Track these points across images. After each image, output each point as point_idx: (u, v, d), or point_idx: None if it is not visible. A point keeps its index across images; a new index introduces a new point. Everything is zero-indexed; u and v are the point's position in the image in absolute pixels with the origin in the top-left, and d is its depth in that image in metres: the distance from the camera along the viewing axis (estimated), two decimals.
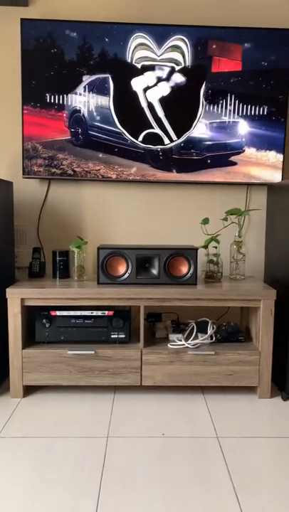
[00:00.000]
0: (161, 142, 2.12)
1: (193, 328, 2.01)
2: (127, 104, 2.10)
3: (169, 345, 1.91)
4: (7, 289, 1.82)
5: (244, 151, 2.14)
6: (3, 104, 2.19)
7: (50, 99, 2.09)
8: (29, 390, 1.92)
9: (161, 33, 2.06)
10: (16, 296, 1.82)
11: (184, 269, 1.94)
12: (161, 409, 1.78)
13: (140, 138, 2.12)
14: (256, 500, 1.24)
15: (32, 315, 1.93)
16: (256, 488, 1.30)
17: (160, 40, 2.07)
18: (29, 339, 1.94)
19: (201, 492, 1.27)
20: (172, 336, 1.97)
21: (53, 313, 1.90)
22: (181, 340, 1.92)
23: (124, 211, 2.28)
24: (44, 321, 1.89)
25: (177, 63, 2.08)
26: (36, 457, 1.44)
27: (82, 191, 2.26)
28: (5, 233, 1.99)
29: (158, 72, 2.09)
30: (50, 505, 1.21)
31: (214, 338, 1.96)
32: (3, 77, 2.18)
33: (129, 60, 2.08)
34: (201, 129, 2.12)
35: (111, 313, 1.92)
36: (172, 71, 2.08)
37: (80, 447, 1.50)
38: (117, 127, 2.11)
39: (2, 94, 2.19)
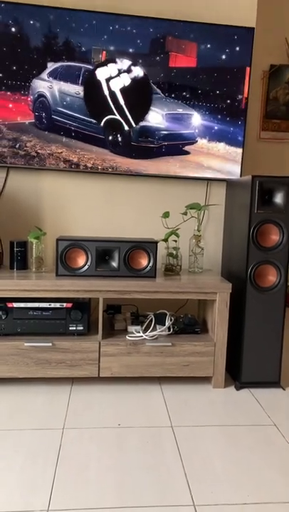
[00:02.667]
0: (121, 128, 2.14)
1: (151, 320, 2.04)
2: (91, 92, 2.11)
3: (127, 336, 1.93)
4: None
5: (197, 141, 2.20)
6: None
7: (15, 82, 2.06)
8: None
9: (124, 24, 2.05)
10: None
11: (144, 262, 1.96)
12: (118, 400, 1.80)
13: (102, 123, 2.13)
14: (207, 486, 1.29)
15: None
16: (207, 474, 1.35)
17: (122, 32, 2.06)
18: None
19: (153, 479, 1.31)
20: (131, 328, 1.99)
21: (9, 304, 1.86)
22: (139, 332, 1.95)
23: (85, 202, 2.26)
24: (0, 313, 1.85)
25: (138, 55, 2.08)
26: None
27: (41, 180, 2.22)
28: None
29: (120, 64, 2.09)
30: (4, 497, 1.20)
31: (172, 330, 2.00)
32: None
33: (93, 50, 2.05)
34: (157, 119, 2.15)
35: (70, 305, 1.91)
36: (134, 63, 2.09)
37: (35, 439, 1.49)
38: (80, 113, 2.12)
39: None
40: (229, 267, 2.15)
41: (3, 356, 1.82)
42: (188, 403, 1.80)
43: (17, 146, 2.08)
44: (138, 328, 1.98)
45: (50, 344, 1.83)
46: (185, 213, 2.14)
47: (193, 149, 2.22)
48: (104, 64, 2.09)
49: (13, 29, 2.02)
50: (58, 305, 1.90)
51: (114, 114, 2.12)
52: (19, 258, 2.02)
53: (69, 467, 1.35)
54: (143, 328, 2.00)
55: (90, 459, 1.40)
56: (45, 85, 2.08)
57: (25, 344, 1.82)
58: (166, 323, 1.99)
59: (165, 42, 2.10)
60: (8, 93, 2.06)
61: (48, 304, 1.89)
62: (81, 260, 1.94)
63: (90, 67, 2.08)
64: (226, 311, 1.90)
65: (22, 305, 1.87)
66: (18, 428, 1.55)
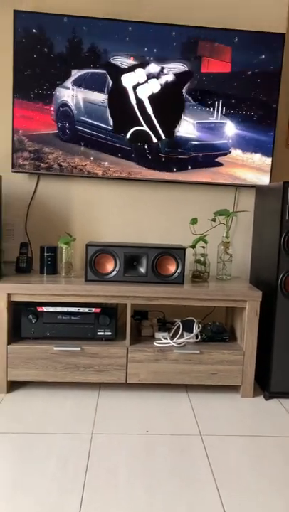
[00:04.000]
0: (149, 140, 2.13)
1: (179, 327, 2.03)
2: (116, 101, 2.09)
3: (154, 343, 1.92)
4: None
5: (230, 152, 2.17)
6: None
7: (39, 91, 2.06)
8: (14, 386, 1.91)
9: (153, 30, 2.06)
10: (2, 291, 1.81)
11: (172, 268, 1.95)
12: (145, 406, 1.79)
13: (128, 135, 2.12)
14: (237, 497, 1.27)
15: (18, 311, 1.92)
16: (237, 485, 1.32)
17: (151, 38, 2.06)
18: (15, 335, 1.93)
19: (183, 488, 1.29)
20: (158, 335, 1.98)
21: (39, 309, 1.89)
22: (166, 339, 1.94)
23: (113, 208, 2.28)
24: (30, 316, 1.88)
25: (168, 61, 2.08)
26: (20, 453, 1.43)
27: (71, 187, 2.25)
28: None
29: (148, 69, 2.08)
30: (36, 501, 1.21)
31: (199, 338, 1.98)
32: None
33: (119, 57, 2.07)
34: (188, 129, 2.13)
35: (98, 310, 1.92)
36: (163, 69, 2.08)
37: (65, 444, 1.50)
38: (105, 123, 2.10)
39: None
40: (258, 275, 2.12)
41: (33, 360, 1.84)
42: (216, 412, 1.77)
43: (39, 158, 2.08)
44: (165, 334, 1.98)
45: (78, 349, 1.85)
46: (213, 219, 2.13)
47: (226, 160, 2.16)
48: (131, 69, 2.08)
49: (36, 37, 2.03)
50: (86, 310, 1.91)
51: (141, 125, 2.09)
52: (49, 263, 2.05)
53: (99, 473, 1.35)
54: (170, 334, 1.99)
55: (119, 465, 1.40)
56: (68, 94, 2.08)
57: (55, 348, 1.84)
58: (194, 331, 1.98)
59: (197, 47, 2.08)
60: (31, 103, 2.06)
61: (76, 308, 1.91)
62: (109, 266, 1.95)
63: (116, 73, 2.07)
64: (255, 319, 1.88)
65: (51, 309, 1.90)
66: (48, 432, 1.57)
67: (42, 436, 1.54)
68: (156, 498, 1.25)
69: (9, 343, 1.85)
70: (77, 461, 1.41)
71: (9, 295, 1.82)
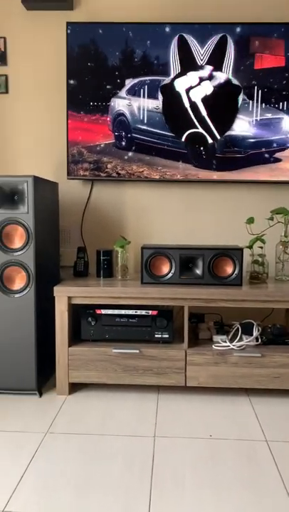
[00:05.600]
0: (204, 141, 2.11)
1: (237, 330, 1.98)
2: (171, 105, 2.10)
3: (213, 346, 1.89)
4: (54, 288, 1.86)
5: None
6: (49, 109, 2.24)
7: (94, 103, 2.12)
8: (74, 388, 1.95)
9: (202, 31, 2.05)
10: (63, 295, 1.86)
11: (229, 269, 1.91)
12: (206, 410, 1.76)
13: (183, 138, 2.12)
14: None
15: (77, 313, 1.97)
16: None
17: (202, 39, 2.05)
18: (74, 337, 1.97)
19: (253, 497, 1.25)
20: (216, 337, 1.95)
21: (98, 311, 1.92)
22: (225, 342, 1.90)
23: (166, 211, 2.28)
24: (90, 319, 1.92)
25: (220, 61, 2.06)
26: (85, 454, 1.46)
27: (124, 191, 2.28)
28: (51, 233, 2.04)
29: (201, 72, 2.08)
30: (103, 503, 1.22)
31: (260, 340, 1.92)
32: (50, 83, 2.23)
33: (171, 61, 2.07)
34: (244, 127, 2.09)
35: (155, 312, 1.92)
36: (215, 70, 2.06)
37: (128, 446, 1.51)
38: (160, 128, 2.12)
39: (49, 100, 2.24)
40: None
41: (93, 362, 1.87)
42: (281, 417, 1.71)
43: (98, 168, 2.12)
44: (224, 337, 1.94)
45: (137, 351, 1.86)
46: (271, 218, 2.06)
47: (285, 156, 2.10)
48: (183, 74, 2.09)
49: (90, 50, 2.08)
50: (143, 312, 1.92)
51: (196, 127, 2.09)
52: (105, 266, 2.08)
53: (165, 476, 1.34)
54: (229, 337, 1.95)
55: (185, 469, 1.38)
56: (124, 103, 2.12)
57: (114, 350, 1.86)
58: (254, 333, 1.92)
59: (249, 44, 2.05)
60: (89, 115, 2.12)
61: (134, 311, 1.92)
62: (165, 268, 1.95)
63: (169, 79, 2.09)
64: None
65: (110, 312, 1.92)
66: (111, 434, 1.58)
67: (105, 438, 1.55)
68: (224, 505, 1.22)
69: (70, 345, 1.89)
70: (142, 463, 1.41)
71: (69, 298, 1.87)
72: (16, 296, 1.81)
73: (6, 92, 2.23)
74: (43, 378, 1.95)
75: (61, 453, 1.46)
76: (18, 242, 1.81)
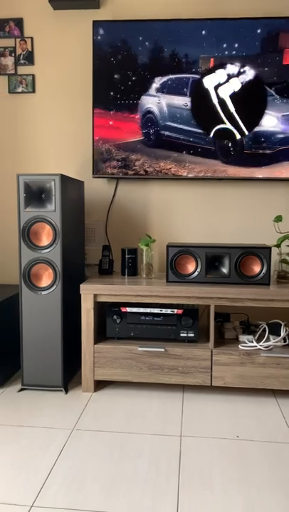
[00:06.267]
0: (233, 137, 2.08)
1: (264, 330, 1.95)
2: (199, 102, 2.09)
3: (239, 346, 1.86)
4: (81, 285, 1.87)
5: None
6: (76, 108, 2.26)
7: (122, 101, 2.12)
8: (99, 385, 1.96)
9: (231, 27, 2.02)
10: (89, 292, 1.87)
11: (257, 268, 1.88)
12: (232, 411, 1.74)
13: (211, 134, 2.10)
14: None
15: (102, 311, 1.97)
16: None
17: (230, 35, 2.03)
18: (100, 335, 1.98)
19: (283, 500, 1.23)
20: (243, 337, 1.92)
21: (123, 309, 1.92)
22: (252, 342, 1.87)
23: (192, 208, 2.26)
24: (115, 317, 1.92)
25: (248, 57, 2.03)
26: (112, 452, 1.46)
27: (149, 189, 2.27)
28: (77, 231, 2.05)
29: (229, 69, 2.05)
30: (130, 501, 1.22)
31: (287, 341, 1.89)
32: (76, 81, 2.24)
33: (200, 59, 2.06)
34: (272, 123, 2.05)
35: (180, 311, 1.91)
36: (243, 66, 2.03)
37: (155, 444, 1.50)
38: (188, 125, 2.11)
39: (75, 99, 2.25)
40: None
41: (118, 360, 1.88)
42: None
43: (126, 166, 2.13)
44: (250, 337, 1.91)
45: (162, 350, 1.85)
46: None
47: None
48: (211, 71, 2.07)
49: (118, 48, 2.09)
50: (169, 311, 1.91)
51: (224, 123, 2.07)
52: (130, 265, 2.08)
53: (192, 476, 1.33)
54: (256, 337, 1.92)
55: (213, 470, 1.36)
56: (153, 101, 2.11)
57: (139, 349, 1.86)
58: (282, 334, 1.89)
59: (278, 39, 2.01)
60: (117, 113, 2.13)
61: (159, 309, 1.91)
62: (191, 267, 1.93)
63: (198, 76, 2.07)
64: None
65: (135, 310, 1.92)
66: (138, 432, 1.58)
67: (131, 436, 1.55)
68: (254, 507, 1.20)
69: (95, 342, 1.90)
70: (168, 462, 1.40)
71: (95, 296, 1.87)
72: (43, 293, 1.83)
73: (33, 91, 2.26)
74: (69, 375, 1.97)
75: (88, 450, 1.47)
76: (45, 239, 1.83)
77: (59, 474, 1.33)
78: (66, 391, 1.89)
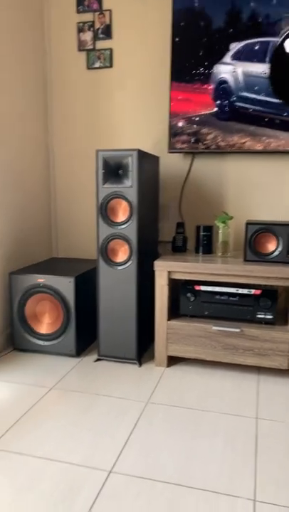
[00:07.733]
0: None
1: None
2: (280, 69, 1.92)
3: None
4: (155, 262, 1.87)
5: None
6: (152, 82, 2.21)
7: (195, 71, 2.02)
8: (172, 361, 1.97)
9: None
10: (163, 269, 1.86)
11: None
12: None
13: None
14: None
15: (176, 289, 1.96)
16: None
17: None
18: (172, 312, 1.97)
19: None
20: None
21: (197, 287, 1.89)
22: None
23: (271, 185, 2.13)
24: (189, 294, 1.90)
25: None
26: (186, 427, 1.46)
27: (225, 165, 2.18)
28: (152, 207, 2.04)
29: None
30: (206, 478, 1.22)
31: None
32: (153, 54, 2.18)
33: (282, 20, 1.88)
34: None
35: (258, 292, 1.83)
36: None
37: (230, 424, 1.48)
38: (266, 95, 1.96)
39: (152, 72, 2.20)
40: None
41: (191, 337, 1.86)
42: None
43: (197, 140, 2.04)
44: None
45: (238, 330, 1.80)
46: None
47: None
48: None
49: (196, 15, 1.97)
50: (246, 291, 1.85)
51: None
52: (205, 242, 2.03)
53: (270, 460, 1.29)
54: None
55: None
56: (227, 70, 1.98)
57: (213, 328, 1.83)
58: None
59: None
60: (189, 84, 2.03)
61: (235, 289, 1.86)
62: (271, 246, 1.84)
63: (279, 39, 1.90)
64: None
65: (210, 289, 1.88)
66: (213, 410, 1.57)
67: (206, 414, 1.55)
68: None
69: (169, 319, 1.90)
70: (244, 443, 1.37)
71: (169, 273, 1.86)
72: (119, 268, 1.86)
73: (110, 66, 2.24)
74: (142, 349, 2.00)
75: (162, 424, 1.49)
76: (122, 215, 1.84)
77: (135, 444, 1.37)
78: (140, 364, 1.93)
